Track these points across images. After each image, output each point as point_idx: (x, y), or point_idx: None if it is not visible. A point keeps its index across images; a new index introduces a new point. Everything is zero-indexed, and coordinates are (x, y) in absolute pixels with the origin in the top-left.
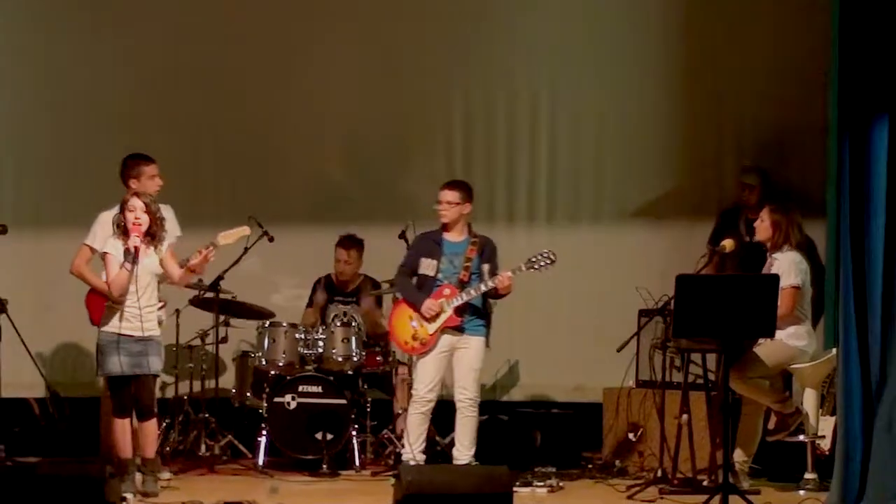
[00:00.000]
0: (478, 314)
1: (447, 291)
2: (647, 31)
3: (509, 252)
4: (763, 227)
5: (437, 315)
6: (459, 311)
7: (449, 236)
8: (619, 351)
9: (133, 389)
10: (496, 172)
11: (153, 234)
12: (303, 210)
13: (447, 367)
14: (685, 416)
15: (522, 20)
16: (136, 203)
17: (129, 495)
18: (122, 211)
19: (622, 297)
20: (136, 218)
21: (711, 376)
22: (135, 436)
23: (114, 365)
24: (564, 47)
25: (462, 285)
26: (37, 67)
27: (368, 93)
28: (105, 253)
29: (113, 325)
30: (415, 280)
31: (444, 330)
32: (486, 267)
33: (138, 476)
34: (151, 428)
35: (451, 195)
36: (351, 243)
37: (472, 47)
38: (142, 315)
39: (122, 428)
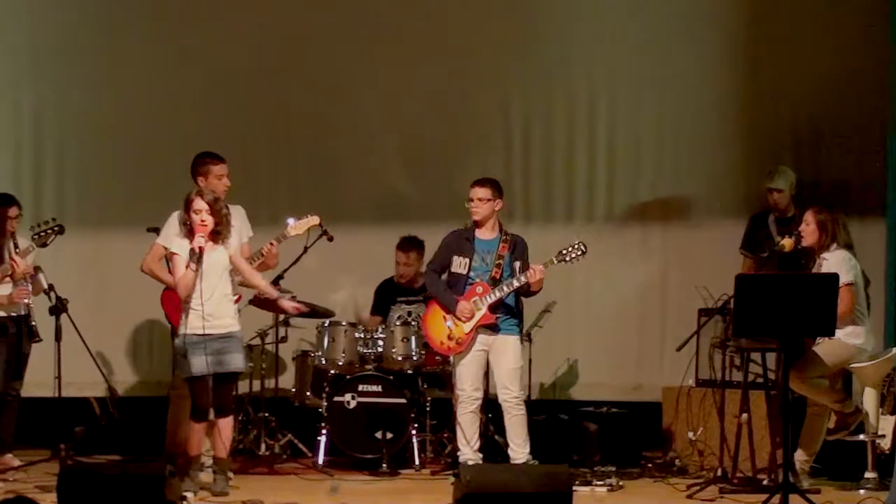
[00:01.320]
0: (511, 313)
1: (480, 289)
2: (705, 29)
3: None
4: (809, 231)
5: (473, 315)
6: (493, 308)
7: (480, 234)
8: (678, 350)
9: (214, 388)
10: (554, 172)
11: (219, 232)
12: (362, 210)
13: (487, 364)
14: (745, 416)
15: (580, 19)
16: (201, 204)
17: (189, 494)
18: (187, 210)
19: (682, 296)
20: (201, 220)
21: (771, 375)
22: (208, 434)
23: (196, 366)
24: (622, 46)
25: (494, 282)
26: (101, 67)
27: (427, 93)
28: (172, 253)
29: (190, 327)
30: (445, 277)
31: (479, 328)
32: (517, 264)
33: (206, 475)
34: (228, 426)
35: (481, 192)
36: (410, 245)
37: (529, 47)
38: (214, 312)
39: (199, 428)
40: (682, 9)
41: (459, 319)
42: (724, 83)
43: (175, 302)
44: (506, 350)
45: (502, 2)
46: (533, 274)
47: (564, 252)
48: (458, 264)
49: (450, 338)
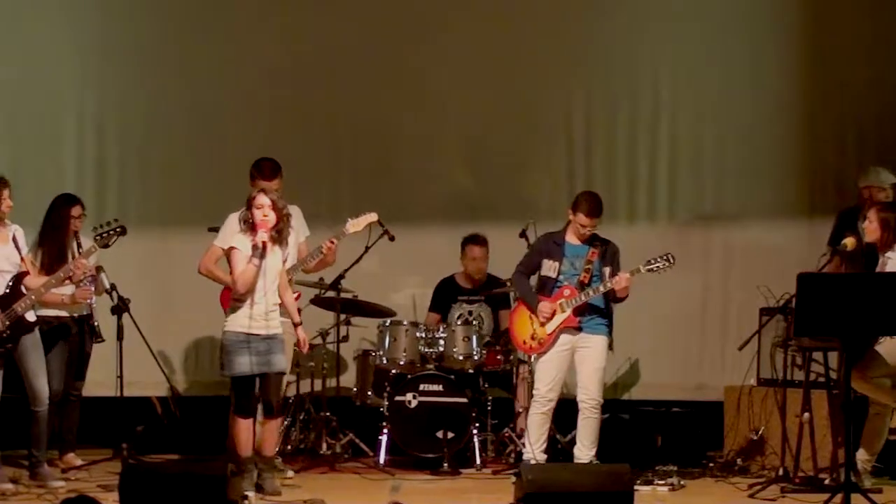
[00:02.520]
0: (599, 313)
1: (567, 292)
2: (768, 28)
3: (629, 251)
4: (871, 228)
5: (553, 316)
6: (578, 311)
7: (571, 238)
8: (740, 349)
9: (260, 388)
10: (616, 171)
11: (279, 231)
12: (423, 209)
13: (568, 366)
14: (807, 415)
15: (645, 21)
16: (264, 200)
17: (250, 493)
18: (250, 208)
19: (743, 295)
20: (264, 215)
21: (833, 374)
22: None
23: (241, 365)
24: (686, 46)
25: (582, 287)
26: (163, 68)
27: (490, 93)
28: (231, 248)
29: (240, 325)
30: (534, 280)
31: (562, 330)
32: (606, 270)
33: (258, 474)
34: (275, 427)
35: (592, 223)
36: (484, 240)
37: (592, 47)
38: (264, 312)
39: (245, 427)
40: (745, 10)
41: (540, 320)
42: (787, 82)
43: None
44: (591, 348)
45: (567, 3)
46: (619, 281)
47: (652, 262)
48: (549, 268)
49: (532, 337)
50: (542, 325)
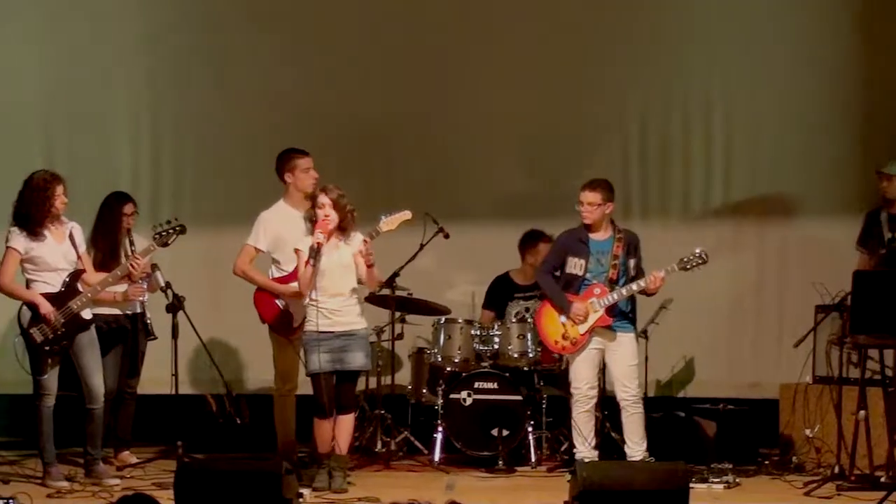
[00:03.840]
0: (622, 312)
1: (598, 290)
2: (824, 23)
3: (683, 249)
4: None
5: (587, 316)
6: (611, 309)
7: (594, 235)
8: (795, 347)
9: (335, 386)
10: (670, 168)
11: (343, 228)
12: (478, 207)
13: (602, 362)
14: (862, 413)
15: (699, 19)
16: (325, 199)
17: (305, 491)
18: (313, 206)
19: (799, 292)
20: (325, 214)
21: (889, 372)
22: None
23: (312, 363)
24: (740, 44)
25: (611, 283)
26: (216, 66)
27: (545, 92)
28: (296, 250)
29: (311, 324)
30: (559, 276)
31: (595, 329)
32: (631, 262)
33: (325, 472)
34: (347, 423)
35: (591, 196)
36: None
37: (648, 46)
38: (335, 309)
39: (318, 425)
40: (799, 6)
41: (574, 321)
42: (841, 82)
43: (267, 301)
44: (621, 347)
45: (624, 3)
46: (653, 281)
47: (686, 260)
48: (574, 265)
49: (564, 337)
50: (575, 324)
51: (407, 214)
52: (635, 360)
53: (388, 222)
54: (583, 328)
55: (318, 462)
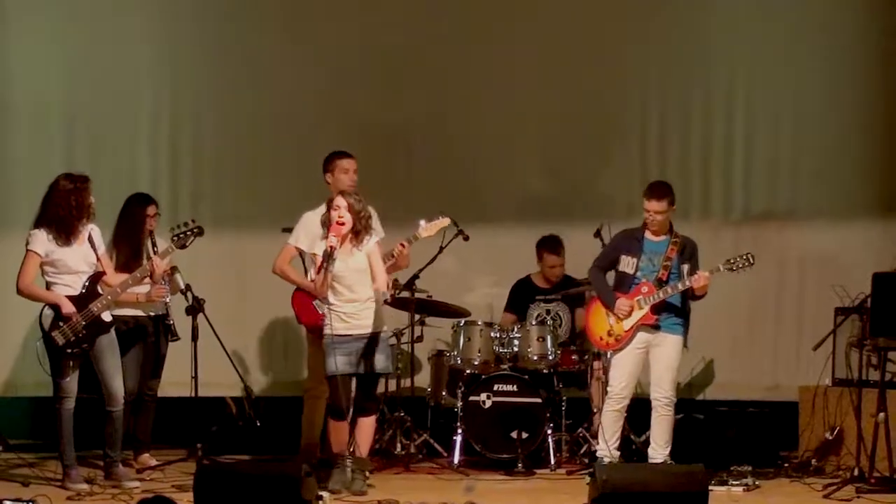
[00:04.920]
0: (675, 312)
1: (645, 289)
2: (846, 28)
3: (703, 249)
4: None
5: (631, 312)
6: (656, 308)
7: (650, 235)
8: (815, 349)
9: (356, 388)
10: (690, 171)
11: (357, 232)
12: (498, 209)
13: (643, 365)
14: (882, 415)
15: (720, 19)
16: (340, 202)
17: (325, 494)
18: (329, 209)
19: (818, 294)
20: (339, 216)
21: None
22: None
23: (329, 366)
24: (761, 46)
25: (660, 284)
26: (236, 68)
27: (565, 93)
28: (312, 254)
29: (329, 327)
30: (612, 275)
31: (639, 327)
32: (685, 267)
33: (346, 473)
34: (368, 426)
35: (658, 206)
36: (561, 246)
37: (668, 47)
38: (353, 313)
39: (333, 426)
40: (822, 10)
41: (618, 317)
42: (863, 81)
43: (304, 302)
44: (666, 347)
45: (643, 3)
46: (698, 280)
47: (732, 261)
48: (626, 264)
49: (609, 334)
50: (620, 321)
51: (445, 221)
52: (676, 362)
53: (428, 228)
54: (627, 324)
55: (333, 463)
